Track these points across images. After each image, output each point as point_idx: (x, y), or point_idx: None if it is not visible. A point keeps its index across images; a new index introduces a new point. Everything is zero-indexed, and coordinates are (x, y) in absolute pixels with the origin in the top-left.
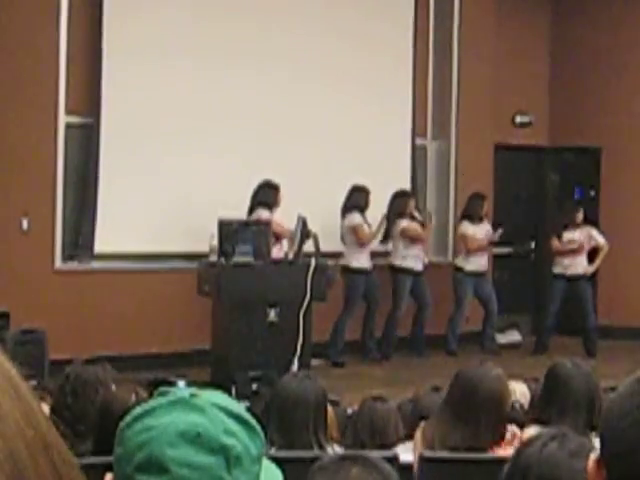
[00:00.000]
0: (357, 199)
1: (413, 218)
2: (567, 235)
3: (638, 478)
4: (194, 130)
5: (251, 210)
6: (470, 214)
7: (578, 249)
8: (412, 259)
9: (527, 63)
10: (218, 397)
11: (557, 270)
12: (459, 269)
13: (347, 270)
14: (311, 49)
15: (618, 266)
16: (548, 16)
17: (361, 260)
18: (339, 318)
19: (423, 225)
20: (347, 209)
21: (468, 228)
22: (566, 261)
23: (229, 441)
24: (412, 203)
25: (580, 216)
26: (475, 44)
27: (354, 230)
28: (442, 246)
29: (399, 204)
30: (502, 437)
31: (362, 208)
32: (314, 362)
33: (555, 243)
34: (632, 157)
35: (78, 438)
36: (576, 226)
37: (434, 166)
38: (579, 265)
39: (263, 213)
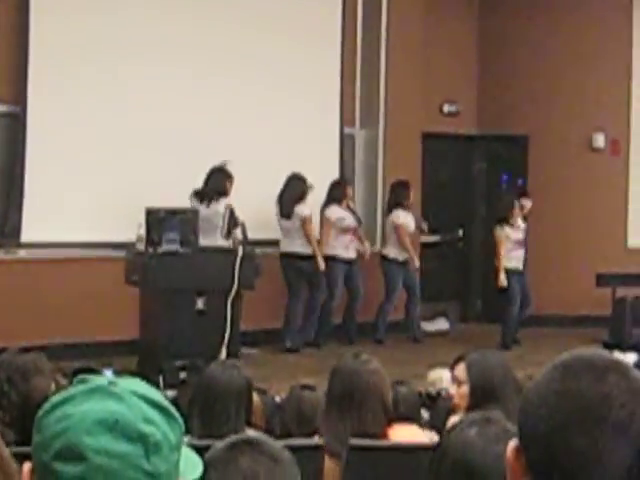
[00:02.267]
0: (296, 188)
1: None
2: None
3: (556, 464)
4: (123, 119)
5: (210, 199)
6: (401, 202)
7: (519, 243)
8: (342, 248)
9: (455, 53)
10: (137, 385)
11: (512, 264)
12: (388, 258)
13: (295, 257)
14: (238, 38)
15: (544, 253)
16: (476, 7)
17: (305, 247)
18: (291, 304)
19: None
20: (296, 200)
21: (400, 216)
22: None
23: (148, 429)
24: (349, 191)
25: (517, 211)
26: (403, 33)
27: (305, 222)
28: (370, 235)
29: (334, 192)
30: (389, 423)
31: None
32: (246, 350)
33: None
34: (558, 145)
35: (6, 427)
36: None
37: (362, 155)
38: (522, 258)
39: (222, 202)
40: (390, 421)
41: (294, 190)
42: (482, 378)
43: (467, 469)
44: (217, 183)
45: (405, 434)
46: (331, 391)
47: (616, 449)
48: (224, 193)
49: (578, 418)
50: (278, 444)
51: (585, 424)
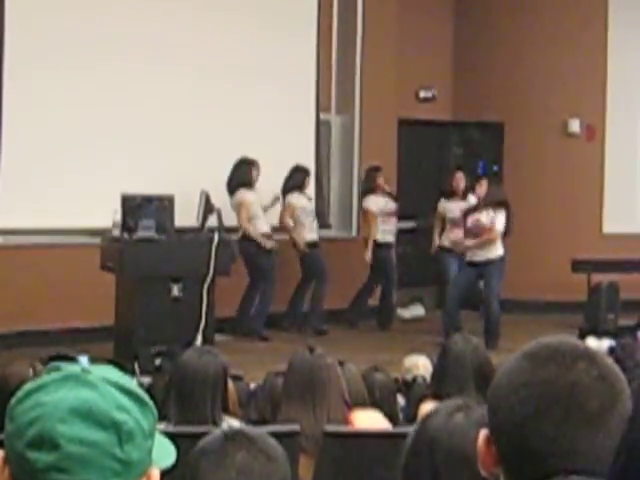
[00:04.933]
0: (297, 180)
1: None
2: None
3: (526, 453)
4: (98, 104)
5: (232, 192)
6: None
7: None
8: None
9: (431, 38)
10: (110, 372)
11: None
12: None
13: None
14: (214, 25)
15: (520, 239)
16: None
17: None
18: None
19: None
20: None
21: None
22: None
23: (121, 416)
24: (308, 179)
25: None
26: (379, 19)
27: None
28: (346, 221)
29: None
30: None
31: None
32: (219, 337)
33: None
34: (533, 132)
35: None
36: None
37: (338, 141)
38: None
39: (246, 194)
40: (349, 407)
41: (294, 182)
42: (438, 365)
43: (463, 456)
44: (242, 174)
45: (366, 418)
46: (289, 386)
47: (586, 437)
48: (249, 183)
49: (548, 408)
50: (272, 441)
51: (555, 413)
